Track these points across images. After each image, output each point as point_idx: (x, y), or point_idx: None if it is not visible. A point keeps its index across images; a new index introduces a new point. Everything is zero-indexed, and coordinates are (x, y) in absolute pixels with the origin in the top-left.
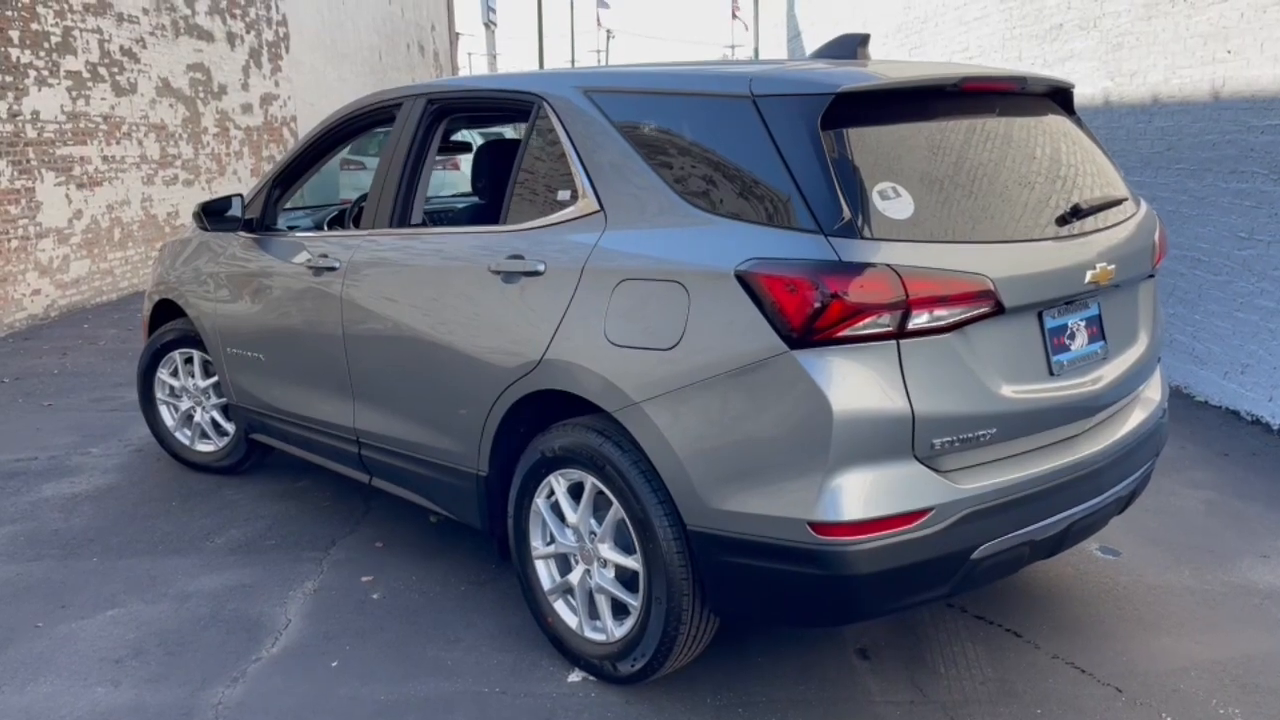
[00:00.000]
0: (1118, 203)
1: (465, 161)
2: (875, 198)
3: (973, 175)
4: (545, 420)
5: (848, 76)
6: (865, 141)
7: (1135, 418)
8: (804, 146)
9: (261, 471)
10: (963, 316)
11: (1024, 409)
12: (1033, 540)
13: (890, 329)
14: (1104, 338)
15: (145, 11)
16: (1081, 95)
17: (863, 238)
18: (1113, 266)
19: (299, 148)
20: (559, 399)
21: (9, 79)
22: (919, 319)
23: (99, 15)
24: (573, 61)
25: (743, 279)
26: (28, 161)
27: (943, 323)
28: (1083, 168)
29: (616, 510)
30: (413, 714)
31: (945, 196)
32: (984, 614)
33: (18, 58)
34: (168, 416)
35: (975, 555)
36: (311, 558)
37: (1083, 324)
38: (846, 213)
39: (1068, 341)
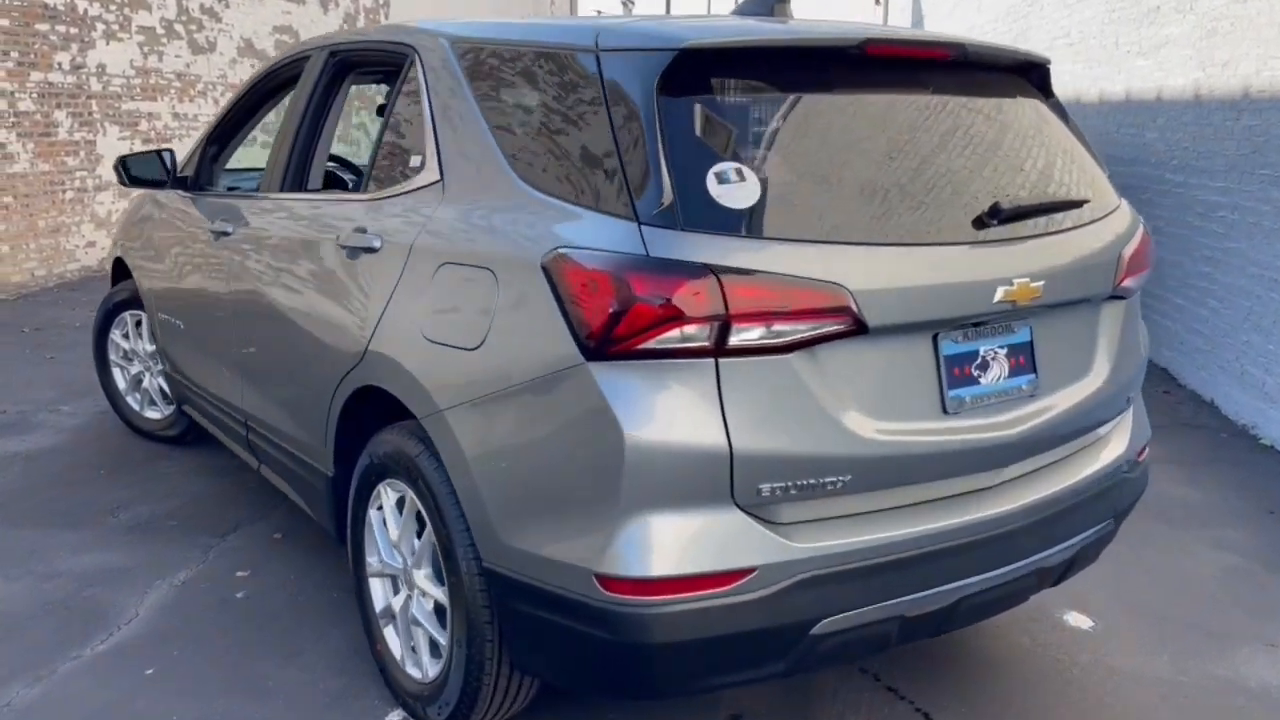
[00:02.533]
0: (1067, 206)
1: None
2: (710, 181)
3: (863, 162)
4: (384, 420)
5: (701, 31)
6: (714, 111)
7: (1080, 470)
8: (633, 113)
9: (208, 445)
10: (806, 335)
11: (895, 453)
12: (903, 616)
13: (706, 344)
14: (1035, 370)
15: None
16: (1171, 88)
17: (682, 229)
18: (1039, 283)
19: (230, 103)
20: (392, 397)
21: (74, 31)
22: (745, 334)
23: None
24: None
25: (546, 271)
26: (90, 114)
27: (778, 341)
28: (1041, 162)
29: (429, 533)
30: None
31: (814, 186)
32: (897, 684)
33: (85, 10)
34: (120, 379)
35: (817, 630)
36: (203, 544)
37: (1002, 352)
38: (667, 197)
39: (976, 372)
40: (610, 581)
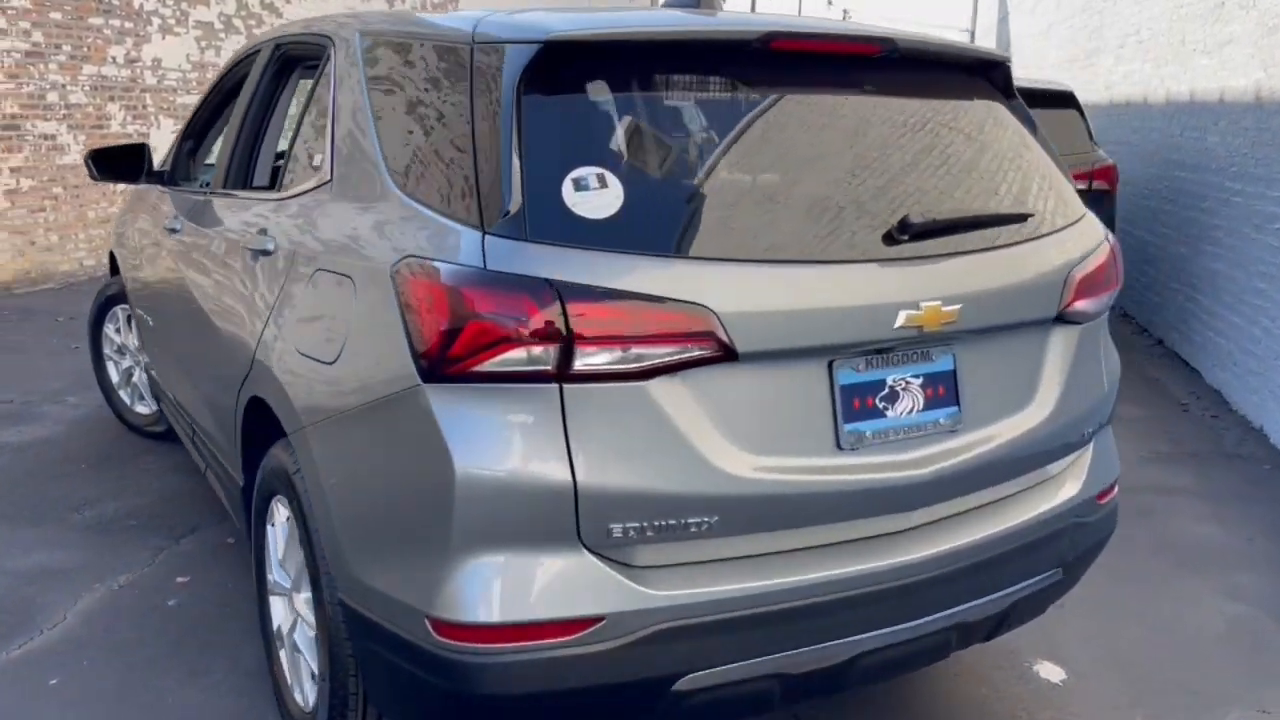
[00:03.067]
0: (1003, 220)
1: None
2: (567, 187)
3: (751, 171)
4: (279, 433)
5: (579, 22)
6: (581, 111)
7: (1019, 513)
8: (494, 111)
9: None
10: (665, 361)
11: (776, 493)
12: (784, 674)
13: (549, 368)
14: (957, 402)
15: None
16: (1233, 89)
17: (528, 239)
18: (954, 308)
19: (203, 95)
20: None
21: (129, 25)
22: (592, 358)
23: None
24: None
25: (395, 282)
26: (144, 108)
27: (632, 367)
28: (984, 171)
29: (306, 554)
30: None
31: (687, 196)
32: None
33: (141, 5)
34: (113, 373)
35: (681, 687)
36: (155, 546)
37: (916, 382)
38: (515, 204)
39: (881, 404)
40: (443, 626)
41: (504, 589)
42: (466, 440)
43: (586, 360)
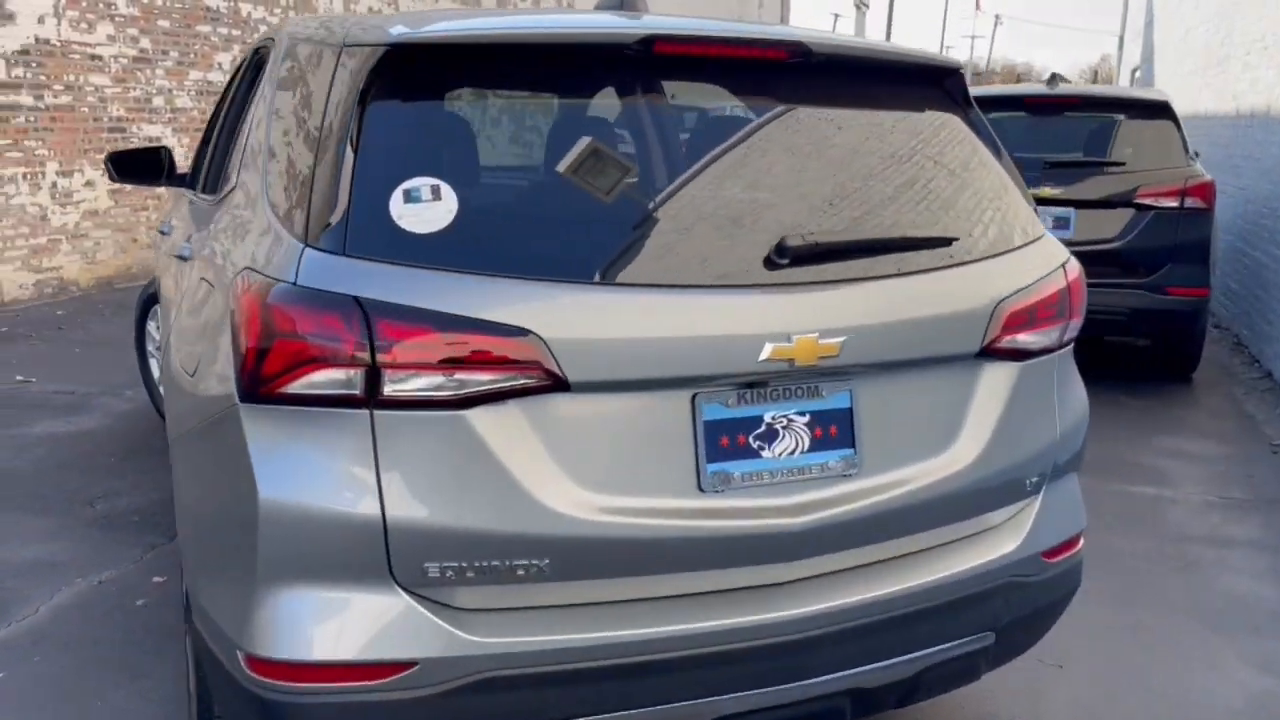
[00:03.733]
0: (913, 244)
1: None
2: (396, 199)
3: (610, 186)
4: None
5: (435, 24)
6: (426, 118)
7: (938, 568)
8: (339, 117)
9: None
10: (486, 389)
11: (620, 536)
12: None
13: (357, 393)
14: (853, 443)
15: None
16: None
17: (347, 253)
18: (837, 340)
19: (220, 98)
20: None
21: (235, 33)
22: (403, 383)
23: None
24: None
25: (230, 295)
26: None
27: (449, 395)
28: (912, 189)
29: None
30: None
31: (531, 212)
32: None
33: (248, 13)
34: (154, 369)
35: None
36: (148, 543)
37: (800, 419)
38: (338, 215)
39: (756, 443)
40: (252, 660)
41: (311, 626)
42: (273, 466)
43: (397, 385)
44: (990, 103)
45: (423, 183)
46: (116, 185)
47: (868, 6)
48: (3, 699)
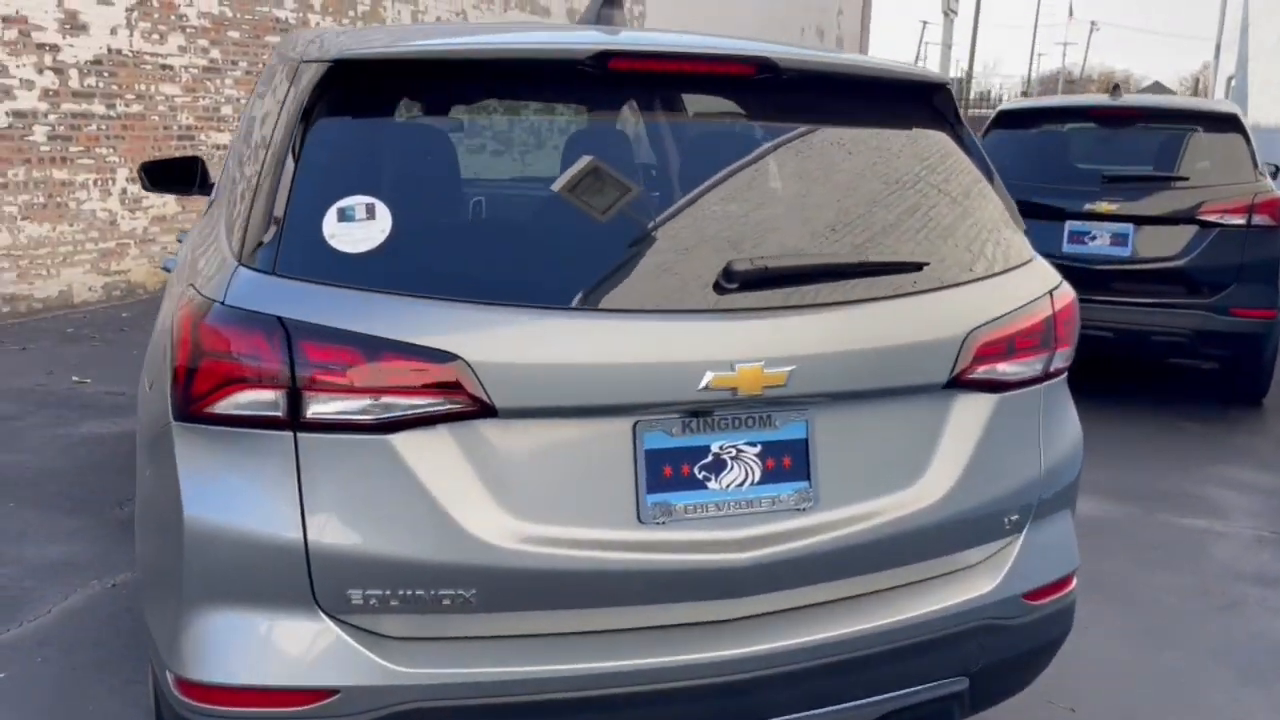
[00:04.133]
0: (874, 269)
1: None
2: (330, 217)
3: (552, 207)
4: None
5: (384, 40)
6: (367, 135)
7: (897, 611)
8: (280, 133)
9: None
10: (409, 414)
11: (551, 568)
12: None
13: (280, 414)
14: (808, 476)
15: None
16: None
17: (276, 272)
18: (784, 369)
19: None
20: None
21: None
22: (325, 405)
23: None
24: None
25: (174, 312)
26: None
27: (372, 418)
28: (884, 211)
29: None
30: None
31: (467, 234)
32: None
33: (316, 23)
34: None
35: None
36: None
37: (751, 450)
38: (269, 234)
39: (701, 473)
40: (180, 681)
41: (234, 649)
42: (198, 486)
43: (320, 407)
44: (1050, 114)
45: (357, 201)
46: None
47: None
48: (2, 701)
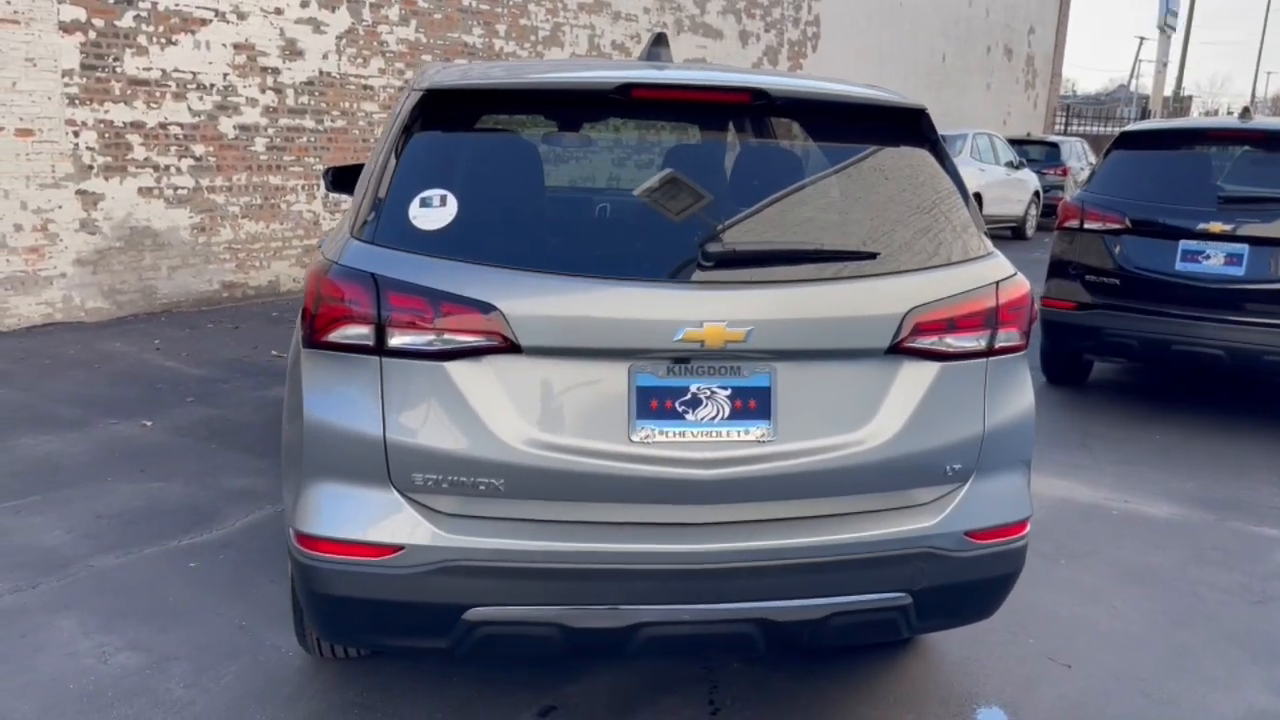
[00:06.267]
0: (826, 256)
1: None
2: (415, 204)
3: (578, 204)
4: None
5: (471, 75)
6: (449, 145)
7: (847, 530)
8: (391, 143)
9: None
10: (460, 347)
11: (557, 468)
12: (564, 625)
13: (370, 344)
14: (769, 416)
15: (646, 10)
16: None
17: (373, 242)
18: (742, 329)
19: None
20: None
21: None
22: (402, 338)
23: (594, 13)
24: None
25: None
26: None
27: (434, 348)
28: (849, 211)
29: None
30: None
31: (512, 219)
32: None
33: (500, 48)
34: None
35: (469, 617)
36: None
37: (722, 392)
38: (373, 214)
39: (681, 408)
40: (301, 536)
41: (331, 511)
42: (314, 394)
43: (398, 340)
44: (1173, 136)
45: (436, 192)
46: None
47: (1174, 29)
48: (195, 582)
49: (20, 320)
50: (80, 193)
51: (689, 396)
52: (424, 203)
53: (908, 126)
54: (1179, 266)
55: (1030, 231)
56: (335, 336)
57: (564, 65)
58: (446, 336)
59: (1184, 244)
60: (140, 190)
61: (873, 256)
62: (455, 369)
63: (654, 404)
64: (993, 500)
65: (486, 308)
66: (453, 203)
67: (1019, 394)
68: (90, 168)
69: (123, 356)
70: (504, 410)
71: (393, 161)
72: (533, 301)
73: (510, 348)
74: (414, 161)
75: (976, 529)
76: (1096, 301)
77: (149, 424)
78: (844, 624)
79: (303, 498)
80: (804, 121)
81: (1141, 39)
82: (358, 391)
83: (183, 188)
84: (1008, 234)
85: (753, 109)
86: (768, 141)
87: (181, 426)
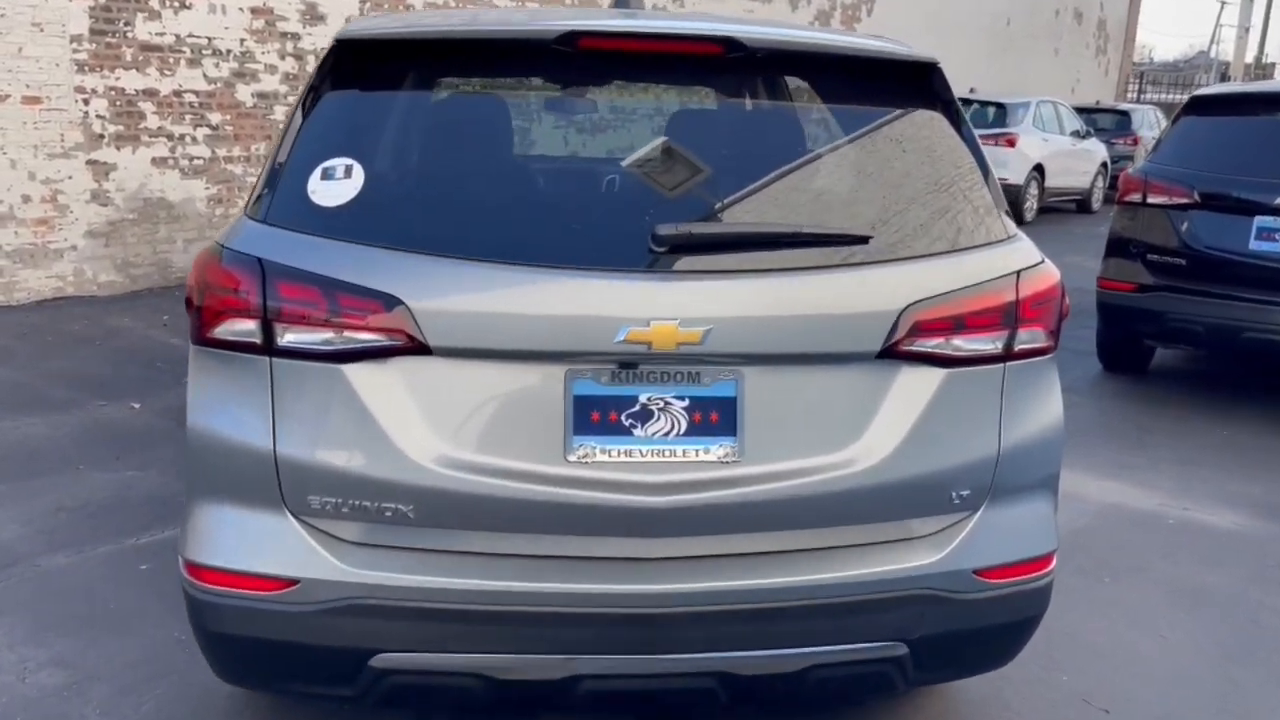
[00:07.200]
0: (808, 240)
1: None
2: (315, 175)
3: (511, 172)
4: None
5: (391, 23)
6: (361, 106)
7: (829, 568)
8: (303, 103)
9: None
10: (359, 346)
11: (479, 493)
12: (487, 676)
13: (258, 341)
14: (734, 432)
15: None
16: None
17: (266, 221)
18: (698, 329)
19: None
20: None
21: None
22: (292, 335)
23: None
24: None
25: None
26: None
27: (328, 348)
28: (843, 186)
29: None
30: None
31: (428, 192)
32: None
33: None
34: None
35: (376, 663)
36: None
37: (679, 403)
38: (267, 188)
39: (628, 421)
40: (185, 563)
41: (219, 537)
42: (200, 400)
43: (288, 337)
44: (1248, 101)
45: (339, 162)
46: None
47: None
48: (142, 586)
49: (30, 294)
50: (91, 163)
51: (638, 408)
52: (326, 174)
53: (916, 84)
54: (1253, 246)
55: (1096, 205)
56: (221, 332)
57: (511, 13)
58: (345, 334)
59: (1259, 221)
60: (154, 160)
61: (864, 241)
62: (354, 372)
63: (595, 416)
64: (1009, 532)
65: (390, 301)
66: (359, 174)
67: (1045, 405)
68: (101, 137)
69: (128, 333)
70: (412, 423)
71: (297, 124)
72: (444, 293)
73: (418, 348)
74: (319, 126)
75: (988, 566)
76: (1159, 283)
77: (137, 406)
78: (825, 677)
79: (189, 520)
80: (790, 78)
81: (1223, 3)
82: (245, 397)
83: (198, 158)
84: (1072, 207)
85: (726, 62)
86: (746, 103)
87: (171, 409)
